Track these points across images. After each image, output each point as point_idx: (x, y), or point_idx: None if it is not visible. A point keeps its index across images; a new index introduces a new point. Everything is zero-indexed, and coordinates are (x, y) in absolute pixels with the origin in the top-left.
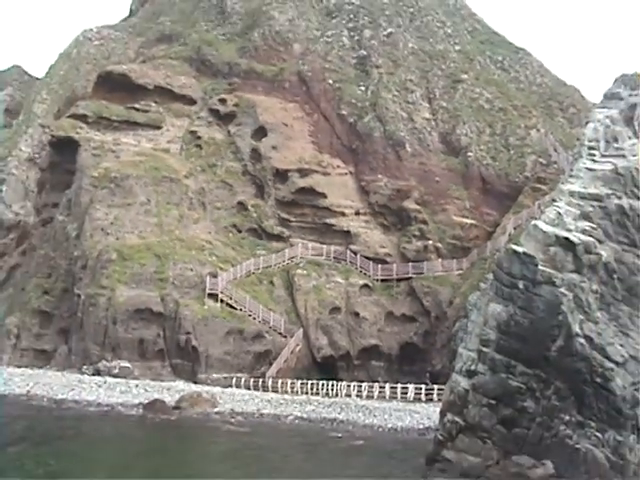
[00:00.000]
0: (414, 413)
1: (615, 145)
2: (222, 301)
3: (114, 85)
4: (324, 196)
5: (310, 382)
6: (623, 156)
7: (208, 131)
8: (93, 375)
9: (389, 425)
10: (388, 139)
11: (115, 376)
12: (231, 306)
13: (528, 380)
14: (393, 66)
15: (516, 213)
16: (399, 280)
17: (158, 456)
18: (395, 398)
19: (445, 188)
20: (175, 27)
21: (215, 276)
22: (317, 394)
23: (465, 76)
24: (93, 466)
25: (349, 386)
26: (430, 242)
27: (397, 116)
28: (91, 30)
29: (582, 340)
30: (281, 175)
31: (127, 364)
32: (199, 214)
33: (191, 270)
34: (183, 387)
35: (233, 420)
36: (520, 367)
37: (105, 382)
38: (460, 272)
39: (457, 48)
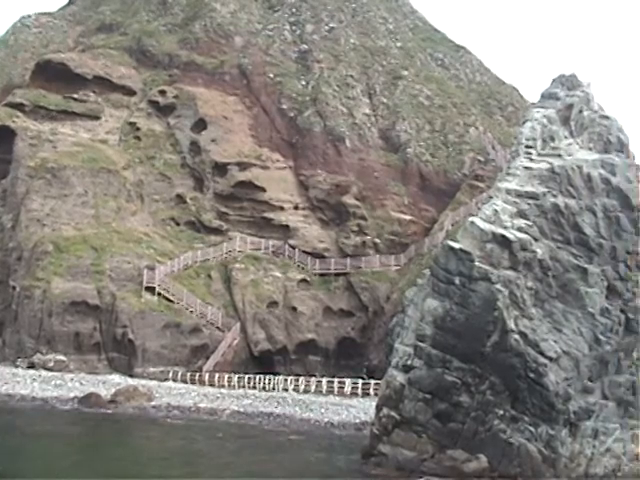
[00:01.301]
0: (351, 407)
1: (552, 144)
2: (159, 294)
3: (52, 74)
4: (263, 190)
5: (247, 376)
6: (559, 155)
7: (147, 123)
8: (27, 368)
9: (326, 419)
10: (328, 134)
11: (50, 369)
12: (168, 299)
13: (463, 375)
14: (334, 61)
15: (454, 210)
16: (337, 275)
17: (92, 451)
18: (332, 392)
19: (384, 184)
20: (115, 17)
21: (152, 269)
22: (254, 388)
23: (405, 73)
24: (25, 461)
25: (286, 380)
26: (368, 237)
27: (337, 111)
28: (29, 17)
29: (517, 336)
30: (220, 168)
31: (62, 357)
32: (137, 206)
33: (128, 263)
34: (119, 381)
35: (169, 414)
36: (455, 362)
37: (40, 376)
38: (398, 268)
39: (398, 45)
